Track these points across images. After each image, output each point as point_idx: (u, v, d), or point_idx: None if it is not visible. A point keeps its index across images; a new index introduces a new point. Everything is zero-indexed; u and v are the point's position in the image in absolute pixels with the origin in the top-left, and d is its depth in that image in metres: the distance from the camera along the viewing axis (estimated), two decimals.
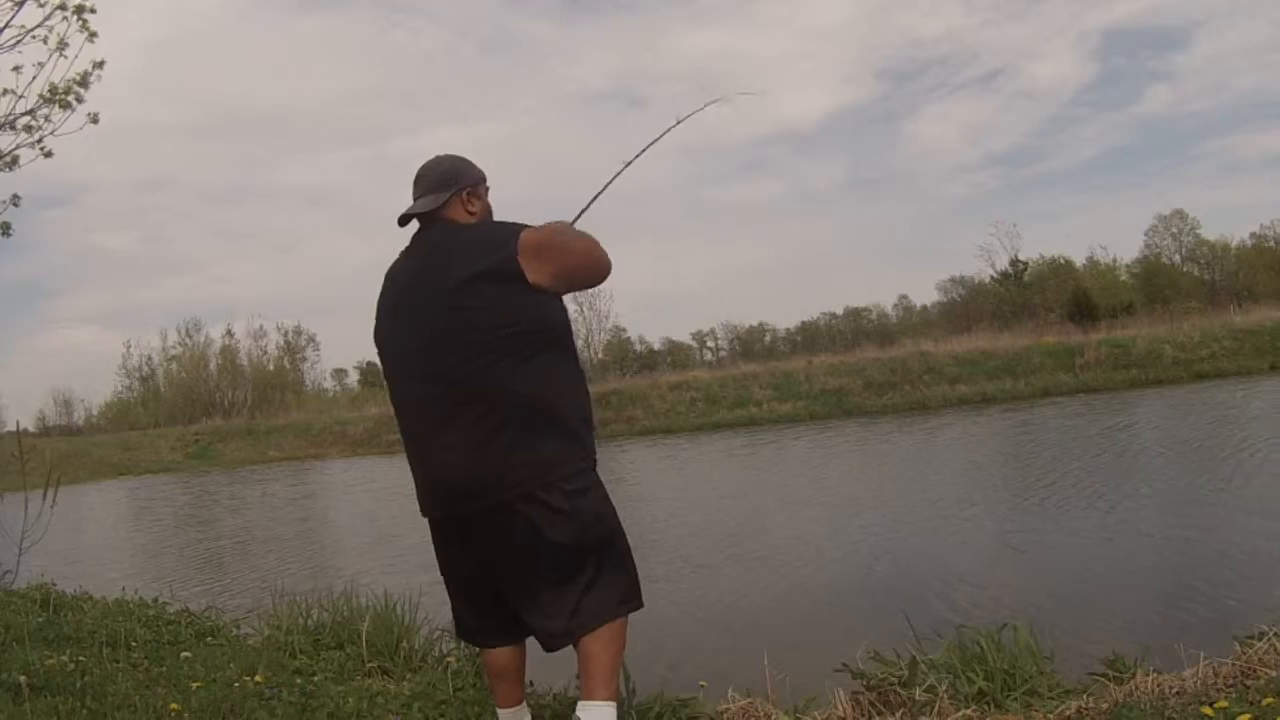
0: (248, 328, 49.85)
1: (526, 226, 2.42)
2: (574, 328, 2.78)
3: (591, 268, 2.47)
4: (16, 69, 4.98)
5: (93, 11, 5.10)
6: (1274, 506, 8.05)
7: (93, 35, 5.06)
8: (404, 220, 2.56)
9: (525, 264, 2.33)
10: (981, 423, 20.02)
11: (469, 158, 2.62)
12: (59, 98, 5.08)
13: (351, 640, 4.13)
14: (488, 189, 2.62)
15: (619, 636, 2.40)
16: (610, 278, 2.58)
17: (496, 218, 2.60)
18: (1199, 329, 28.09)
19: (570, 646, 2.41)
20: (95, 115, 5.24)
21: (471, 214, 2.53)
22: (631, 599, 2.45)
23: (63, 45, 5.00)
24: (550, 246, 2.37)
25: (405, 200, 2.55)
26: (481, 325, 2.32)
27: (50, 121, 5.19)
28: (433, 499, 2.46)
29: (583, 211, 2.77)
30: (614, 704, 2.39)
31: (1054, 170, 70.90)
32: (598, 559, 2.40)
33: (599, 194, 2.85)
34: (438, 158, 2.60)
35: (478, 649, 2.87)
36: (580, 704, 2.37)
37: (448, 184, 2.52)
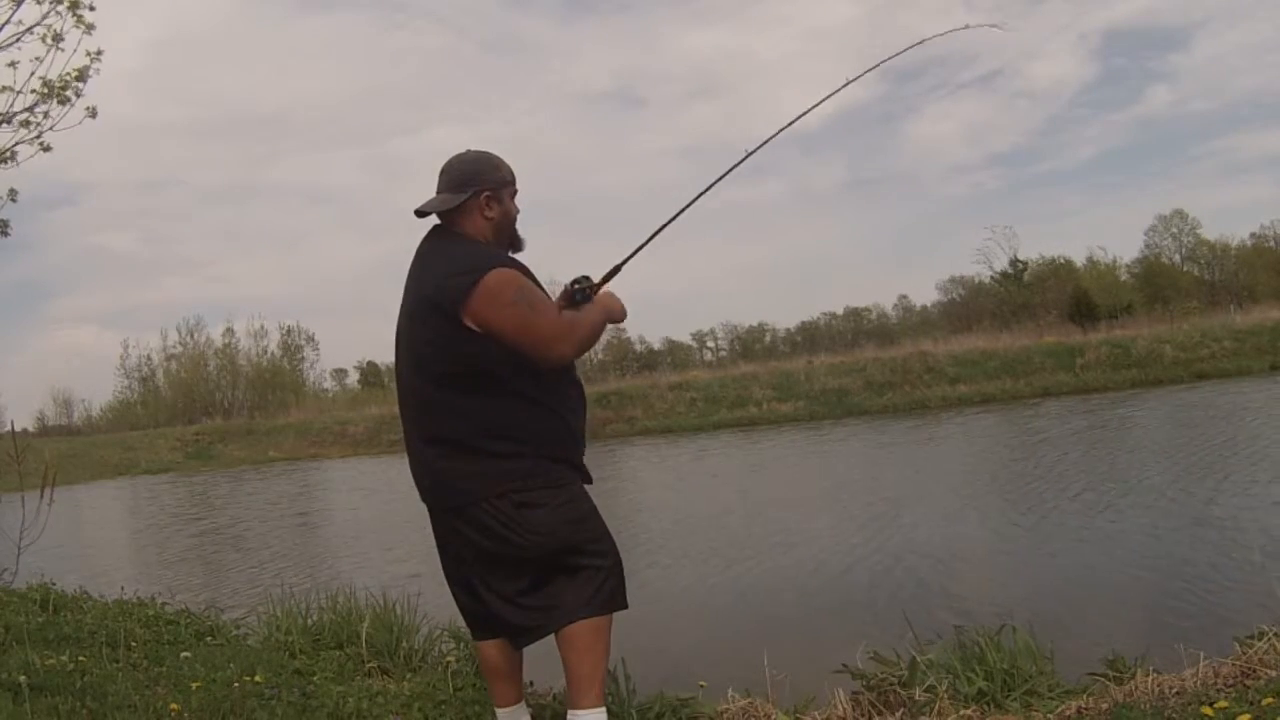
0: (248, 328, 49.87)
1: (502, 265, 2.36)
2: None
3: (521, 340, 2.33)
4: (13, 64, 4.98)
5: (91, 9, 5.10)
6: (1273, 505, 8.04)
7: (89, 28, 5.06)
8: (421, 214, 2.51)
9: (471, 304, 2.29)
10: (970, 423, 20.02)
11: (499, 155, 2.55)
12: (57, 92, 5.08)
13: (351, 640, 4.13)
14: (515, 192, 2.56)
15: (595, 643, 2.39)
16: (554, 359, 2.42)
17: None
18: (1199, 329, 28.13)
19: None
20: (93, 109, 5.25)
21: (488, 219, 2.48)
22: (598, 606, 2.41)
23: (58, 39, 5.00)
24: (497, 298, 2.30)
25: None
26: (426, 352, 2.40)
27: (49, 117, 5.20)
28: (418, 489, 2.56)
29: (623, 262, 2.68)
30: (601, 709, 2.41)
31: (1054, 170, 71.13)
32: (552, 565, 2.41)
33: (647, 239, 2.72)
34: (465, 154, 2.54)
35: (476, 649, 2.88)
36: (569, 713, 2.42)
37: (466, 184, 2.47)
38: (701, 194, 2.79)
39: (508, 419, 2.38)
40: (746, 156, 2.90)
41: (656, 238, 2.72)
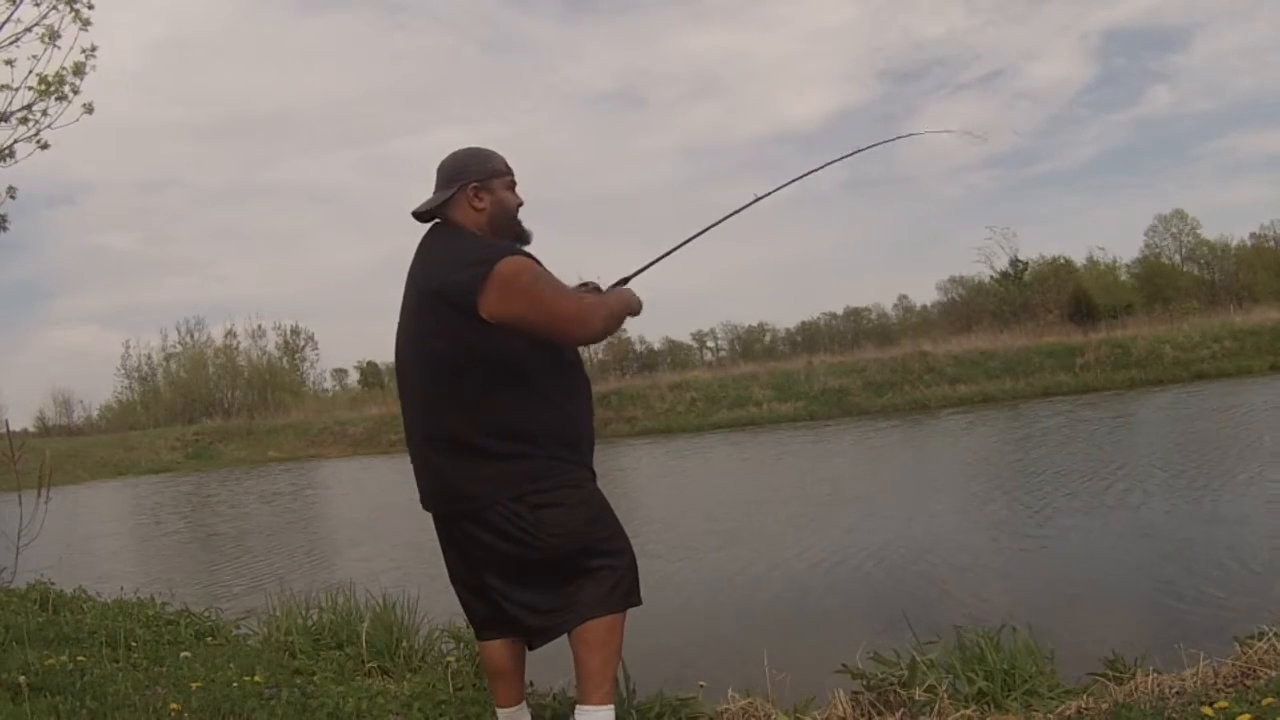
0: (248, 328, 49.82)
1: (512, 254, 2.34)
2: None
3: (545, 323, 2.30)
4: (9, 62, 4.99)
5: (90, 7, 5.11)
6: (1272, 505, 8.05)
7: (86, 24, 5.06)
8: (418, 217, 2.51)
9: (487, 296, 2.26)
10: (967, 423, 20.02)
11: (491, 149, 2.54)
12: (54, 90, 5.08)
13: (351, 640, 4.13)
14: (512, 183, 2.54)
15: (608, 640, 2.37)
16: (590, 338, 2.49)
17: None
18: (1199, 329, 28.10)
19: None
20: (90, 105, 5.24)
21: (479, 209, 2.46)
22: (613, 603, 2.39)
23: (54, 36, 5.00)
24: (513, 284, 2.27)
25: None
26: (437, 349, 2.36)
27: (47, 115, 5.20)
28: (420, 495, 2.53)
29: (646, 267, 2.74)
30: (609, 707, 2.39)
31: (1054, 171, 70.89)
32: (569, 565, 2.38)
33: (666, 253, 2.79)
34: (454, 152, 2.54)
35: (477, 649, 2.88)
36: (577, 708, 2.39)
37: (454, 179, 2.47)
38: (705, 230, 2.87)
39: (520, 417, 2.35)
40: (755, 200, 2.95)
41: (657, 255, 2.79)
